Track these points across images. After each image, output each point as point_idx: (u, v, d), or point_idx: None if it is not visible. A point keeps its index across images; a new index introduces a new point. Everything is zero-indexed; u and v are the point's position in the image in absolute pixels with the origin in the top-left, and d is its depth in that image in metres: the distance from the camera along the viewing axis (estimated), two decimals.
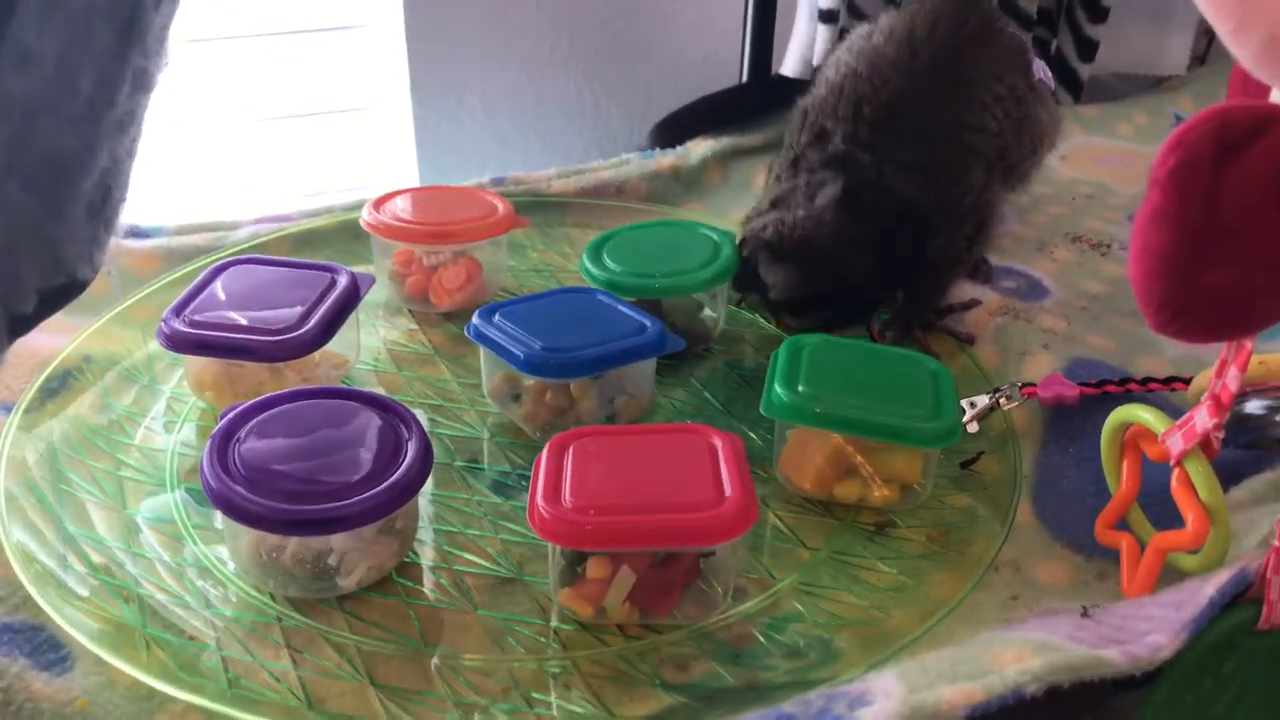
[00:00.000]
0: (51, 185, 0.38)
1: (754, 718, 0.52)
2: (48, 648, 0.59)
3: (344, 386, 0.79)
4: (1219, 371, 0.56)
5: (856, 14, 1.20)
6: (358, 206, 1.01)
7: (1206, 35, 1.44)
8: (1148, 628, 0.54)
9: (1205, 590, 0.55)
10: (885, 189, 0.82)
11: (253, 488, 0.61)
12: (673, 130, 1.18)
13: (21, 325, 0.41)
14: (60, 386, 0.80)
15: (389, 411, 0.68)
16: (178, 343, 0.76)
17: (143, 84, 0.40)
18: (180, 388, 0.82)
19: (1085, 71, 1.31)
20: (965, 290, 0.93)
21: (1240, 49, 0.45)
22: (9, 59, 0.33)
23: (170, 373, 0.84)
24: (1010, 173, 0.91)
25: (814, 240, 0.81)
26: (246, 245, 0.98)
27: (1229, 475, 0.65)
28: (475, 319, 0.79)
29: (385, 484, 0.62)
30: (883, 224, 0.81)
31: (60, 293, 0.41)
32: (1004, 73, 0.87)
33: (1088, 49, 1.30)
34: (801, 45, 1.22)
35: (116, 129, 0.40)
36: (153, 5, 0.38)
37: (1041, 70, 0.91)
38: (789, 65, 1.24)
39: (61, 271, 0.40)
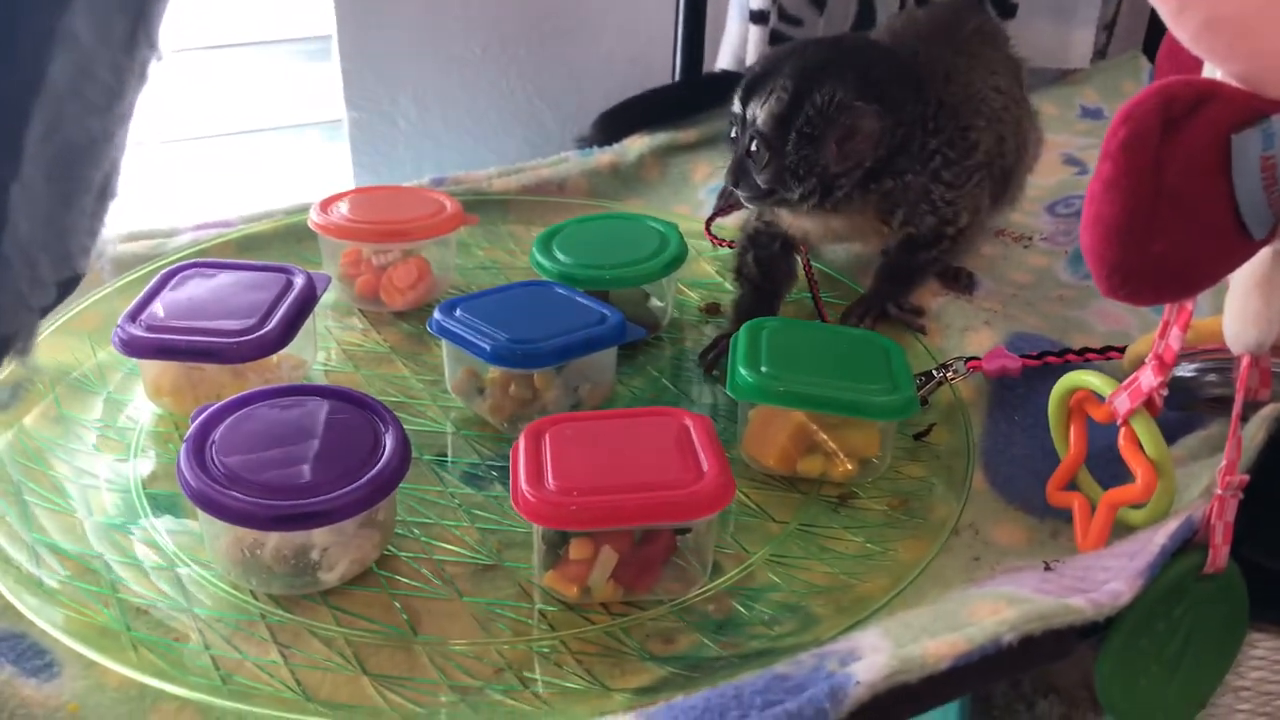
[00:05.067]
0: (67, 175, 0.38)
1: (748, 681, 0.53)
2: (32, 654, 0.58)
3: (313, 384, 0.79)
4: (1162, 332, 0.60)
5: (785, 16, 1.23)
6: (299, 211, 1.00)
7: (1106, 30, 1.51)
8: (1106, 576, 0.58)
9: (1156, 539, 0.58)
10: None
11: (233, 485, 0.61)
12: (611, 126, 1.19)
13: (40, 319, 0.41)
14: (11, 399, 0.78)
15: (364, 407, 0.69)
16: (135, 348, 0.75)
17: (144, 76, 0.40)
18: (133, 394, 0.81)
19: None
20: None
21: (1181, 30, 0.49)
22: (60, 47, 0.34)
23: (122, 379, 0.82)
24: (1000, 179, 0.92)
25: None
26: (189, 251, 0.96)
27: (1165, 437, 0.69)
28: (437, 314, 0.80)
29: (367, 476, 0.63)
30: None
31: (66, 286, 0.41)
32: (1000, 71, 0.90)
33: None
34: (734, 45, 1.25)
35: (124, 120, 0.40)
36: None
37: None
38: (722, 63, 1.27)
39: (68, 264, 0.40)
